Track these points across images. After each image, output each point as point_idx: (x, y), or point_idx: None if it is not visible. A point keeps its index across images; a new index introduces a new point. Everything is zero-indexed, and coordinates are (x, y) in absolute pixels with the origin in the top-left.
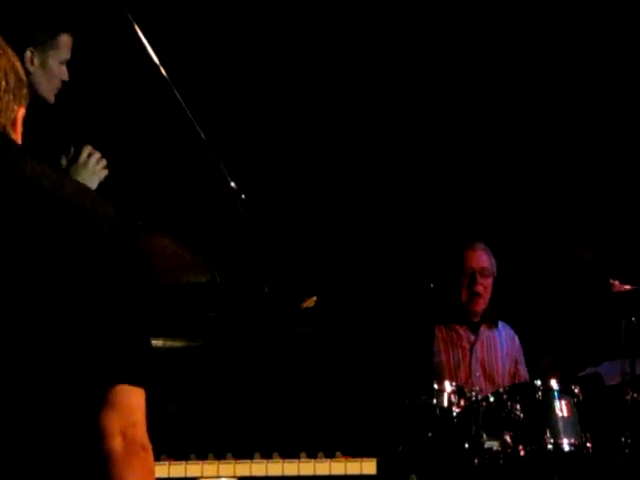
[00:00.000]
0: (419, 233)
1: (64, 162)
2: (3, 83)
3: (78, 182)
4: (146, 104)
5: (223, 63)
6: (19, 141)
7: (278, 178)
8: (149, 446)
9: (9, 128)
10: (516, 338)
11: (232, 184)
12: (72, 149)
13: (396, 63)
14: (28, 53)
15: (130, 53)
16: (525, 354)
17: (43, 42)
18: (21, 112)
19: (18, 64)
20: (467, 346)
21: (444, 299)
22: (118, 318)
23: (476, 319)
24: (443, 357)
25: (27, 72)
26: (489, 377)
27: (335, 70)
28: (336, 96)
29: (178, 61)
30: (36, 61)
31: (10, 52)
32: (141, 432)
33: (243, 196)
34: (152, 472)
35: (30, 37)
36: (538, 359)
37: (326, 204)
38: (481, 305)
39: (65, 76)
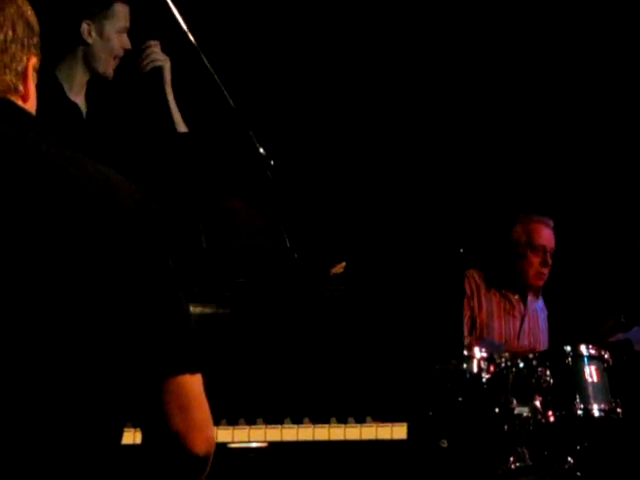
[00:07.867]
0: (450, 197)
1: None
2: (10, 32)
3: (94, 162)
4: (175, 71)
5: (253, 29)
6: (31, 92)
7: (307, 144)
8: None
9: (17, 81)
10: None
11: (261, 150)
12: None
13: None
14: (84, 26)
15: (158, 20)
16: (584, 317)
17: (98, 13)
18: (32, 61)
19: (30, 12)
20: (518, 316)
21: (500, 265)
22: (156, 306)
23: (529, 291)
24: (495, 323)
25: (86, 44)
26: (533, 348)
27: (375, 43)
28: (370, 64)
29: (207, 28)
30: (94, 33)
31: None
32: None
33: (272, 162)
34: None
35: (84, 10)
36: (598, 323)
37: (355, 170)
38: (543, 282)
39: (127, 44)
